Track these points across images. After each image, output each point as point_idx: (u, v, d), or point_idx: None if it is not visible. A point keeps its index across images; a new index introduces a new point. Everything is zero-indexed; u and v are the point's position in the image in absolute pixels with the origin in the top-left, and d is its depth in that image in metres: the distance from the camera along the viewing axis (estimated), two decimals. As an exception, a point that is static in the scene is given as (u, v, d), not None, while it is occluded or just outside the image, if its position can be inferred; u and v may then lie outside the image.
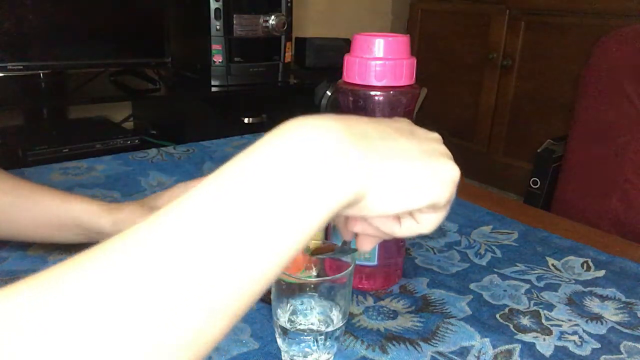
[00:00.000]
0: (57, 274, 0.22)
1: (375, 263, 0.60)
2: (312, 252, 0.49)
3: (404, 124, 0.36)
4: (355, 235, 0.41)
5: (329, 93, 1.84)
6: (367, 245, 0.41)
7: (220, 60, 1.83)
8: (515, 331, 0.55)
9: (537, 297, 0.61)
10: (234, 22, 1.82)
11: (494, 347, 0.52)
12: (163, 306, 0.21)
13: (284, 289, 0.47)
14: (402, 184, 0.31)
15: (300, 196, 0.26)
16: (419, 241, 0.74)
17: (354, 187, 0.28)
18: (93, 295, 0.21)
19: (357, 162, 0.28)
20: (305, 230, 0.26)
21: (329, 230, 0.59)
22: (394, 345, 0.52)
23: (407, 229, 0.37)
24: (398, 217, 0.37)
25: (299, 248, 0.26)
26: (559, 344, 0.53)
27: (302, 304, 0.48)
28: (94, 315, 0.21)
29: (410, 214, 0.36)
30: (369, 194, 0.30)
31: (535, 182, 1.93)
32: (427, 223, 0.36)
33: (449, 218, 0.82)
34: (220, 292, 0.23)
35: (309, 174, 0.26)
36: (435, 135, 0.37)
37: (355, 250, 0.46)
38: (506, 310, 0.58)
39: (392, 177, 0.31)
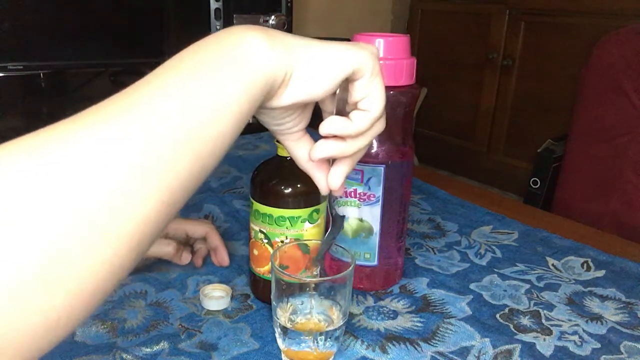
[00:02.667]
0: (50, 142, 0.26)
1: (375, 263, 0.60)
2: (312, 256, 0.49)
3: None
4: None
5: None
6: (337, 177, 0.42)
7: (220, 60, 1.82)
8: (515, 331, 0.55)
9: (537, 297, 0.61)
10: (234, 22, 1.82)
11: (494, 347, 0.52)
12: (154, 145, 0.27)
13: (284, 289, 0.47)
14: (324, 58, 0.36)
15: (228, 66, 0.32)
16: (419, 241, 0.74)
17: (276, 60, 0.34)
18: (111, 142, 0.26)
19: (278, 41, 0.34)
20: (238, 89, 0.32)
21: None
22: (394, 345, 0.52)
23: (358, 119, 0.39)
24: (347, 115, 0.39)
25: (237, 107, 0.32)
26: (559, 344, 0.53)
27: (302, 304, 0.48)
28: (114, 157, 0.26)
29: (356, 104, 0.39)
30: (295, 71, 0.35)
31: (535, 182, 1.93)
32: (371, 103, 0.38)
33: (449, 218, 0.83)
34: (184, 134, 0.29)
35: (236, 48, 0.33)
36: None
37: (343, 217, 0.47)
38: (506, 310, 0.58)
39: (314, 54, 0.36)
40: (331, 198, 0.46)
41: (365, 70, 0.37)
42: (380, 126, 0.41)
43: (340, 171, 0.42)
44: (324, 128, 0.39)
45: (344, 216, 0.47)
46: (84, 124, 0.27)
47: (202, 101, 0.30)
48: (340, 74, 0.37)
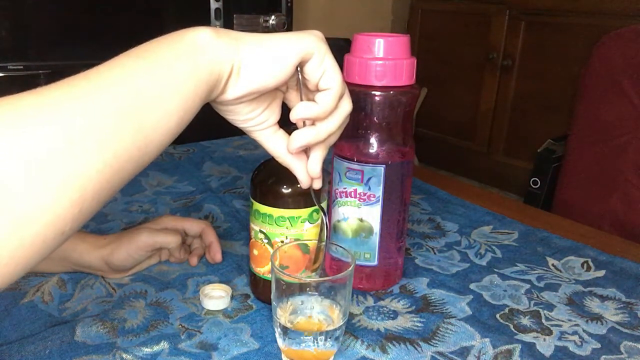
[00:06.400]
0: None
1: (376, 263, 0.60)
2: (315, 260, 0.50)
3: None
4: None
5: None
6: (316, 163, 0.44)
7: (220, 60, 1.82)
8: (515, 331, 0.55)
9: (537, 297, 0.61)
10: (234, 22, 1.82)
11: (494, 347, 0.52)
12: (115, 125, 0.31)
13: (284, 289, 0.47)
14: (272, 47, 0.38)
15: (173, 52, 0.35)
16: (419, 241, 0.74)
17: (222, 47, 0.36)
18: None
19: (224, 33, 0.37)
20: (182, 71, 0.34)
21: (329, 232, 0.59)
22: (394, 345, 0.52)
23: (323, 99, 0.40)
24: (311, 99, 0.41)
25: (182, 87, 0.34)
26: (559, 344, 0.53)
27: (302, 304, 0.48)
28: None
29: (317, 87, 0.41)
30: (244, 61, 0.37)
31: (535, 182, 1.93)
32: (329, 80, 0.40)
33: (449, 218, 0.82)
34: (138, 120, 0.32)
35: (182, 39, 0.35)
36: None
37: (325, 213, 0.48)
38: (506, 310, 0.58)
39: (261, 44, 0.38)
40: (316, 194, 0.48)
41: (313, 52, 0.39)
42: (346, 106, 0.43)
43: (317, 157, 0.44)
44: (294, 114, 0.41)
45: (325, 213, 0.50)
46: (53, 96, 0.30)
47: (146, 81, 0.33)
48: (289, 60, 0.38)
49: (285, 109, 0.44)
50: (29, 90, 0.30)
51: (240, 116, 0.42)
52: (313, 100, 0.41)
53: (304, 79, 0.41)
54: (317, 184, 0.46)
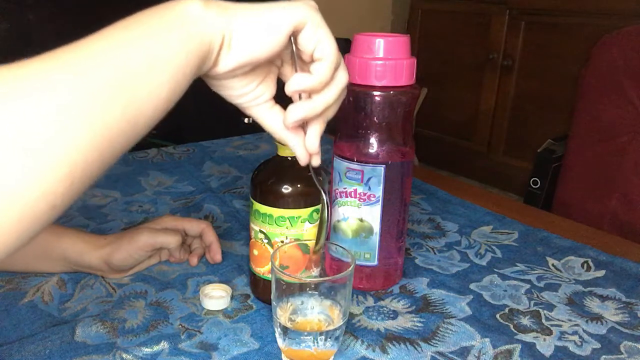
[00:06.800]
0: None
1: (376, 263, 0.60)
2: (317, 242, 0.49)
3: None
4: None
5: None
6: (313, 137, 0.43)
7: (220, 60, 1.82)
8: (515, 331, 0.55)
9: (537, 297, 0.61)
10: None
11: (494, 347, 0.52)
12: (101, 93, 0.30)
13: (284, 289, 0.47)
14: (262, 17, 0.37)
15: (162, 23, 0.34)
16: (419, 241, 0.74)
17: (211, 18, 0.35)
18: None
19: (213, 3, 0.36)
20: (173, 42, 0.34)
21: (329, 231, 0.59)
22: (394, 345, 0.52)
23: (318, 69, 0.39)
24: (305, 69, 0.40)
25: (173, 59, 0.34)
26: (559, 344, 0.53)
27: (302, 304, 0.48)
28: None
29: (312, 58, 0.40)
30: (235, 33, 0.36)
31: (535, 182, 1.93)
32: (323, 50, 0.39)
33: (449, 218, 0.82)
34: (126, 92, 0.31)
35: (172, 10, 0.35)
36: None
37: (322, 174, 0.48)
38: (506, 310, 0.58)
39: (251, 14, 0.37)
40: (315, 172, 0.46)
41: (306, 21, 0.38)
42: (342, 77, 0.41)
43: (315, 131, 0.43)
44: (289, 87, 0.40)
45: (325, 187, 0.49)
46: (41, 67, 0.30)
47: (137, 52, 0.32)
48: (281, 30, 0.37)
49: (281, 89, 0.43)
50: (13, 63, 0.29)
51: (235, 91, 0.41)
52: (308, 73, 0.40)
53: (298, 50, 0.40)
54: (316, 161, 0.44)
